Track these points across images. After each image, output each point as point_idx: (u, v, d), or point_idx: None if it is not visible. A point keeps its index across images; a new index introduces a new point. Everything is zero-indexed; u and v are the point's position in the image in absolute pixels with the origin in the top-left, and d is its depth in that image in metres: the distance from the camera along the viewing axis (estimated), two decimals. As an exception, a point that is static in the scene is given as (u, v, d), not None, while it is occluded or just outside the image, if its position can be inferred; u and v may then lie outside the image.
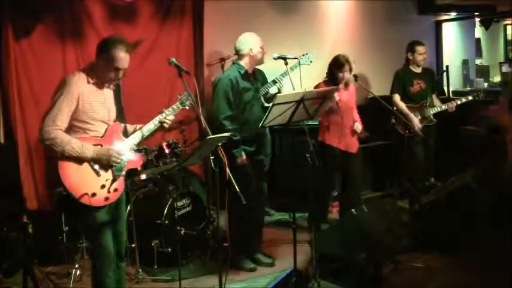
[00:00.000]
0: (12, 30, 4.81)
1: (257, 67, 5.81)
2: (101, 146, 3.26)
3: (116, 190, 3.31)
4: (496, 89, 8.12)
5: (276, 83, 5.43)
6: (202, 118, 3.54)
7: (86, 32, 5.15)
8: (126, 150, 3.37)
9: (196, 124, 5.26)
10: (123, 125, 3.48)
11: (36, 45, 4.97)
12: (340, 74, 4.83)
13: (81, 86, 3.19)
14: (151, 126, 3.49)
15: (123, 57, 3.22)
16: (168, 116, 3.53)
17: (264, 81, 5.73)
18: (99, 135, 3.29)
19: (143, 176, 4.63)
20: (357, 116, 5.10)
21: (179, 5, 5.71)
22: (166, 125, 3.52)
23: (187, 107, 3.64)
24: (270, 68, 5.78)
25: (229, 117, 4.25)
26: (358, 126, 4.99)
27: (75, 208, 3.23)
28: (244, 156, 4.28)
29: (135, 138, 3.44)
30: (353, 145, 5.07)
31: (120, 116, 3.45)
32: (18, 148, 4.88)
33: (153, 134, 3.54)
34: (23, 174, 4.89)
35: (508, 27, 9.79)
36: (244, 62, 4.43)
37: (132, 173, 3.57)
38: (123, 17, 5.38)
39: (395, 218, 4.63)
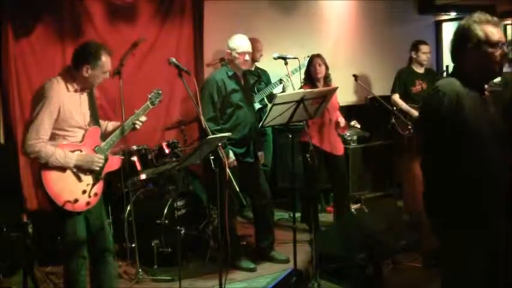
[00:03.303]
0: (12, 30, 4.80)
1: (261, 67, 5.83)
2: (81, 151, 3.28)
3: (95, 194, 3.35)
4: (496, 89, 8.08)
5: (282, 81, 5.43)
6: (202, 118, 3.54)
7: (86, 32, 5.14)
8: (105, 153, 3.38)
9: (196, 124, 5.25)
10: (100, 128, 3.46)
11: (36, 45, 4.96)
12: (319, 67, 4.95)
13: (61, 95, 3.19)
14: (125, 127, 3.49)
15: (108, 61, 3.30)
16: (140, 117, 3.53)
17: (268, 81, 5.73)
18: (77, 141, 3.30)
19: (143, 176, 4.64)
20: (340, 116, 5.10)
21: (179, 5, 5.70)
22: (137, 126, 3.53)
23: (156, 105, 3.66)
24: (271, 68, 5.81)
25: (213, 119, 4.24)
26: (342, 120, 5.01)
27: (55, 214, 3.26)
28: (233, 157, 4.27)
29: (111, 141, 3.45)
30: (338, 147, 5.09)
31: (95, 120, 3.41)
32: (18, 148, 4.87)
33: (124, 135, 3.53)
34: (23, 174, 4.88)
35: (508, 27, 9.75)
36: (232, 64, 4.40)
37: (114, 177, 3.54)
38: (123, 17, 5.38)
39: (396, 218, 4.62)
